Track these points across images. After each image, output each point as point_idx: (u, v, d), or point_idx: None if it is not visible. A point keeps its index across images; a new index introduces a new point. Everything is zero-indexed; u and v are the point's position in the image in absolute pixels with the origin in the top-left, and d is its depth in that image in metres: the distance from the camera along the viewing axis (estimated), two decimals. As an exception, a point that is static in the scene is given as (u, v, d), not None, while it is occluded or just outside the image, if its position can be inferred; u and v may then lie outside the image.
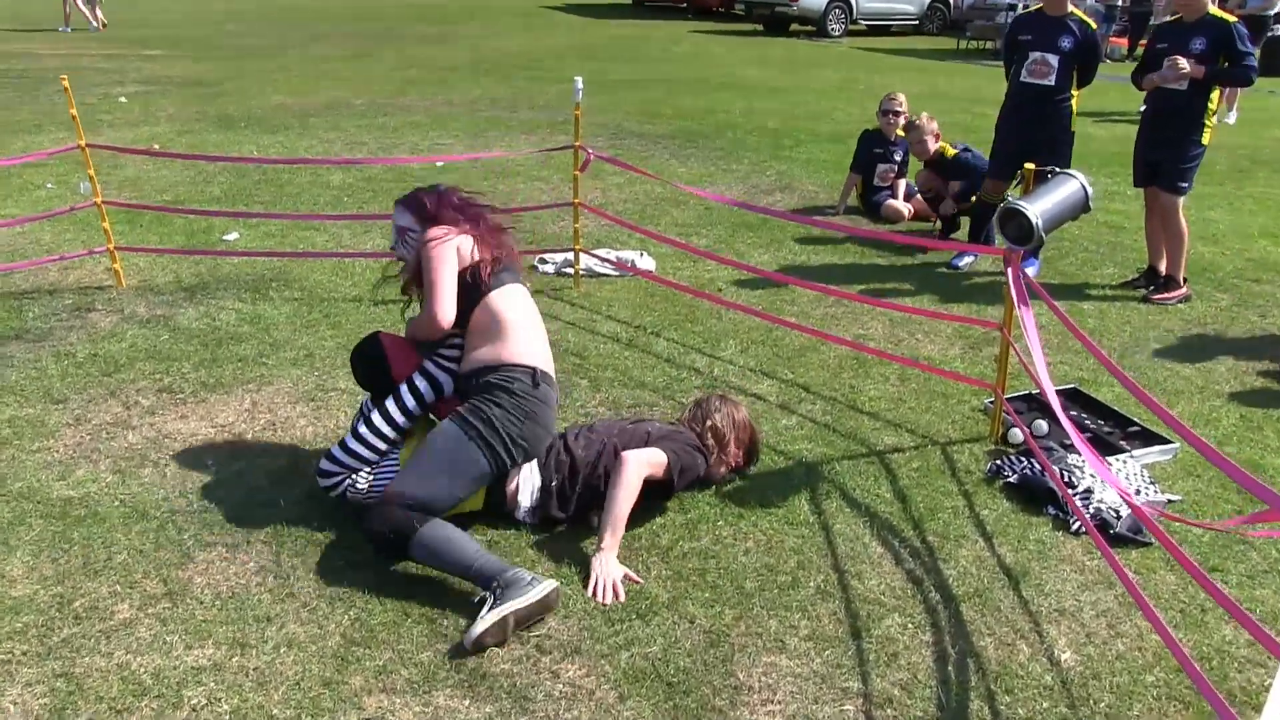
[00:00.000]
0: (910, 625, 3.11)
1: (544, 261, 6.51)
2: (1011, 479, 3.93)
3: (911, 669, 2.91)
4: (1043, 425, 4.23)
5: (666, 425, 3.86)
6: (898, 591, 3.27)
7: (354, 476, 3.59)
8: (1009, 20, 6.84)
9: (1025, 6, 6.01)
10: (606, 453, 3.63)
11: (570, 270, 6.18)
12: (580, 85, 5.65)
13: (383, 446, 3.59)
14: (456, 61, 17.35)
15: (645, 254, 6.58)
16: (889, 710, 2.74)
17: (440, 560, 3.26)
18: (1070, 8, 6.14)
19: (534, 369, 3.58)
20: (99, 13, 22.56)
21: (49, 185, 8.21)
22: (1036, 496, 3.81)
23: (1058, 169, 4.23)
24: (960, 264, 6.75)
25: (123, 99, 12.79)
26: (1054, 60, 6.09)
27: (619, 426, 3.80)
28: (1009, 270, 3.93)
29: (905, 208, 7.85)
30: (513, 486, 3.60)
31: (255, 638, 3.00)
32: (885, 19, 25.88)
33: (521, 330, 3.62)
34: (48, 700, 2.73)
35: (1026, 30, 6.27)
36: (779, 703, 2.77)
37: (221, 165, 8.83)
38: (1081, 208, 4.04)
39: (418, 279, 3.69)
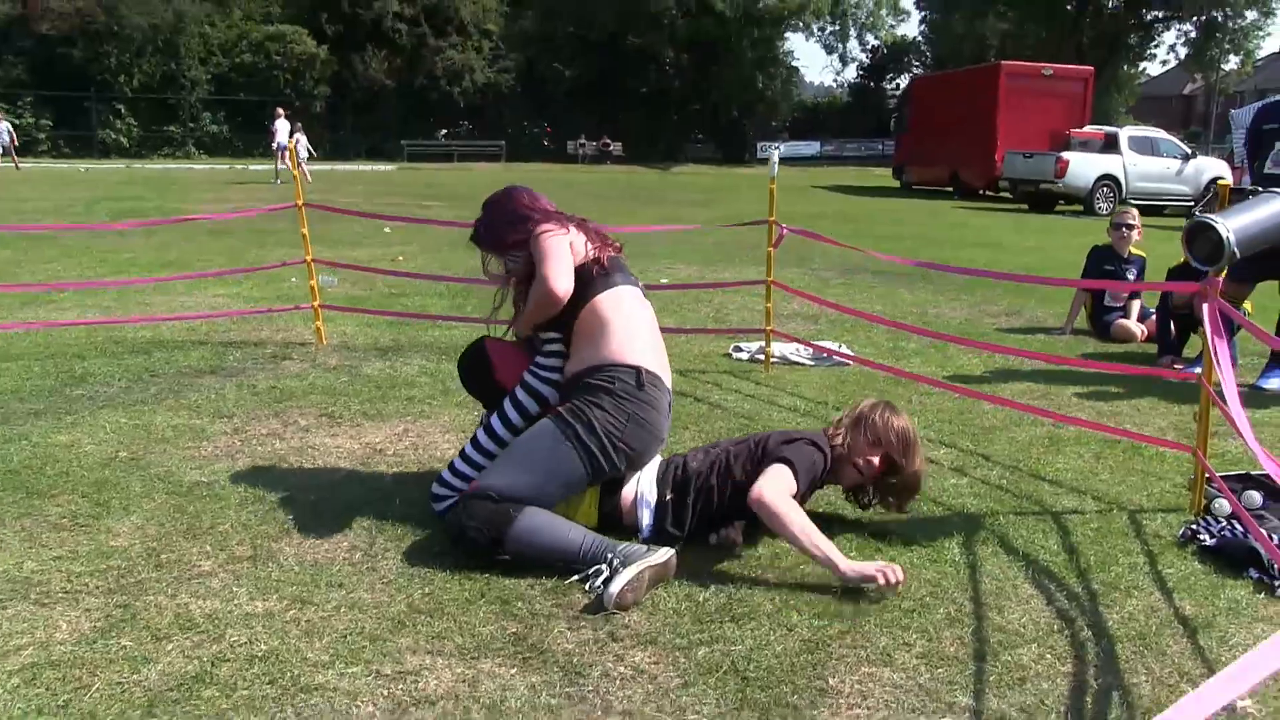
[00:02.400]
0: (1049, 655, 2.59)
1: (739, 349, 6.28)
2: (1209, 542, 3.32)
3: (1040, 695, 2.39)
4: (1255, 497, 3.57)
5: (783, 431, 3.48)
6: (1042, 626, 2.76)
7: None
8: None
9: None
10: (720, 463, 3.30)
11: (763, 357, 5.91)
12: (776, 159, 5.50)
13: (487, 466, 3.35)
14: (714, 215, 17.66)
15: (845, 346, 6.23)
16: (1004, 731, 2.24)
17: (543, 546, 3.01)
18: None
19: (638, 368, 3.28)
20: None
21: (294, 279, 8.69)
22: (1236, 560, 3.18)
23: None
24: (1266, 385, 5.85)
25: (387, 229, 13.62)
26: (1306, 149, 5.48)
27: (734, 440, 3.47)
28: (1203, 305, 3.41)
29: (1138, 329, 7.15)
30: (629, 502, 3.31)
31: (320, 598, 2.82)
32: (1157, 199, 24.71)
33: (627, 329, 3.33)
34: (100, 624, 2.63)
35: (1273, 119, 5.69)
36: (867, 708, 2.32)
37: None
38: None
39: (530, 283, 3.40)
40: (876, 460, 3.35)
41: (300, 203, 6.18)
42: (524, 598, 2.84)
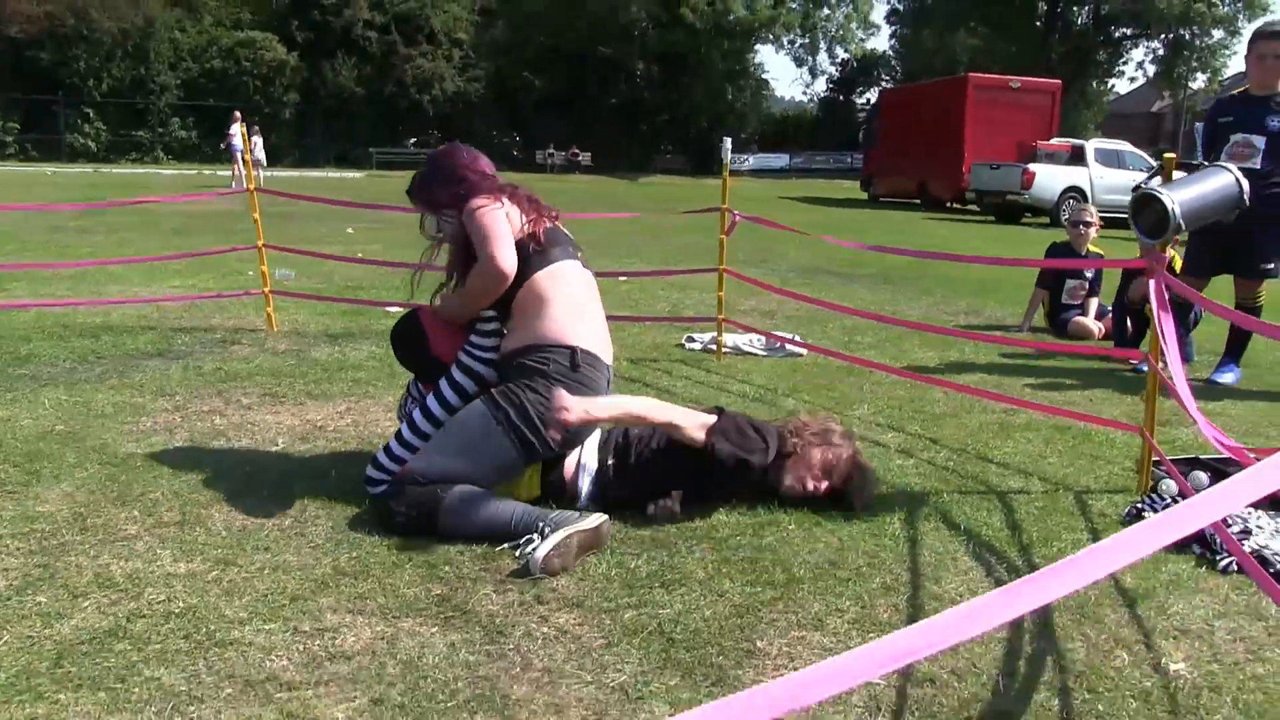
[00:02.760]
0: (983, 619, 2.56)
1: (691, 340, 6.26)
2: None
3: (972, 659, 2.38)
4: (1202, 478, 3.57)
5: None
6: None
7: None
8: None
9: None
10: (661, 431, 3.28)
11: (715, 346, 5.89)
12: (729, 145, 5.50)
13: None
14: (679, 222, 17.62)
15: (799, 337, 6.23)
16: (929, 689, 2.23)
17: (475, 522, 2.98)
18: None
19: (573, 349, 3.22)
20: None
21: (250, 273, 8.61)
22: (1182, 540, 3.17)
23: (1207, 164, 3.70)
24: (1221, 379, 5.90)
25: (350, 229, 13.54)
26: (1259, 142, 5.51)
27: None
28: (1150, 282, 3.43)
29: (1095, 326, 7.18)
30: (570, 472, 3.29)
31: (244, 560, 2.78)
32: (1123, 211, 24.82)
33: (563, 309, 3.26)
34: (16, 582, 2.58)
35: (1227, 113, 5.73)
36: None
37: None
38: (1234, 203, 3.46)
39: (464, 256, 3.33)
40: (823, 487, 3.34)
41: (251, 187, 6.12)
42: (452, 562, 2.80)
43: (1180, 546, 3.10)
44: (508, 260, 3.19)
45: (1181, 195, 3.28)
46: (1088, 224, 7.37)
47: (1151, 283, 3.44)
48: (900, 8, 60.59)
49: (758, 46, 56.72)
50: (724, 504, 3.30)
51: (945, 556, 3.00)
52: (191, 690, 2.11)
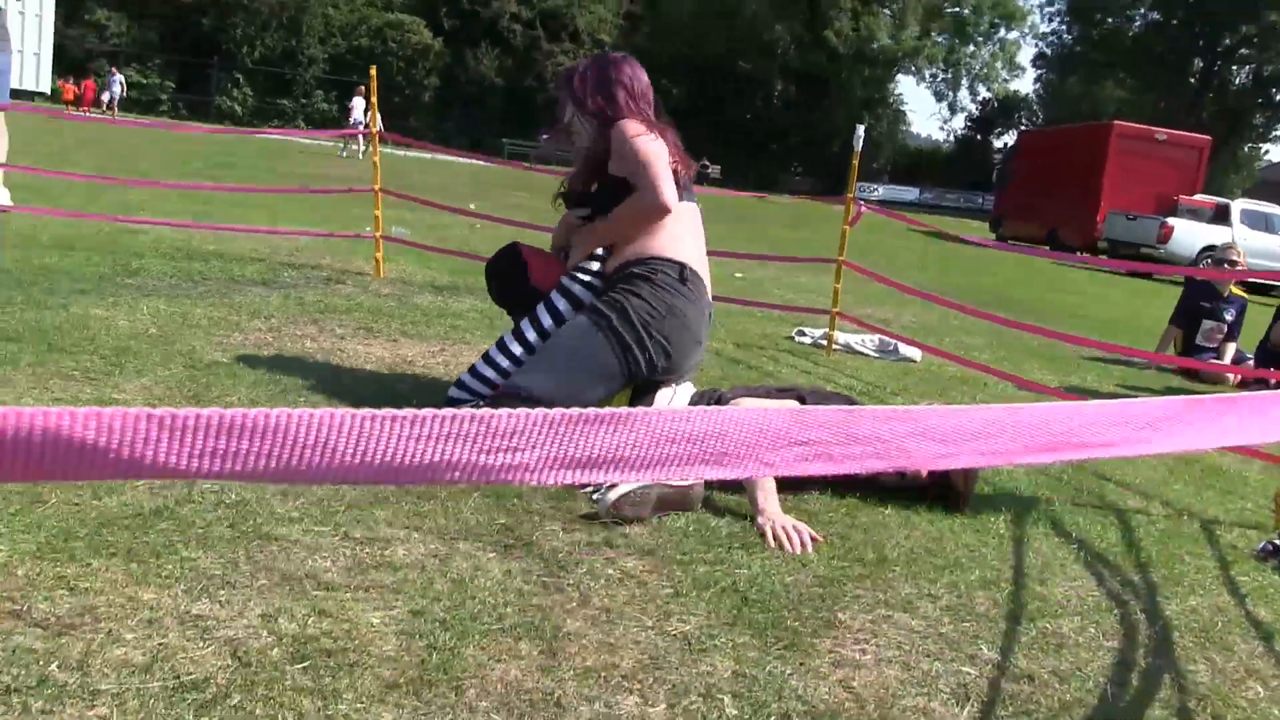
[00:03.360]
0: (1092, 630, 2.31)
1: (802, 334, 6.03)
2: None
3: (1077, 663, 2.12)
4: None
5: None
6: (1088, 603, 2.47)
7: (481, 404, 3.18)
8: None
9: None
10: (758, 396, 3.08)
11: (825, 342, 5.66)
12: (862, 131, 5.27)
13: (512, 370, 3.14)
14: (801, 236, 17.38)
15: (912, 348, 5.94)
16: (1026, 686, 1.98)
17: None
18: None
19: (682, 264, 3.08)
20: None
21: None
22: (1321, 575, 2.86)
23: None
24: None
25: (472, 205, 13.57)
26: None
27: (779, 385, 3.24)
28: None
29: (1231, 377, 6.71)
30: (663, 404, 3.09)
31: (308, 466, 2.63)
32: (1269, 277, 23.76)
33: (675, 231, 3.12)
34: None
35: None
36: (876, 645, 2.07)
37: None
38: None
39: (592, 169, 3.25)
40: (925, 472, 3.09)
41: (377, 187, 6.10)
42: (522, 496, 2.64)
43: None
44: (671, 195, 3.07)
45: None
46: (1233, 263, 6.94)
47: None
48: (1047, 52, 59.35)
49: (899, 76, 56.14)
50: (817, 485, 3.08)
51: (1053, 561, 2.74)
52: (225, 575, 1.98)
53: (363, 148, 27.05)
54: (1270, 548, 3.07)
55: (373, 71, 6.26)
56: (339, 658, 1.74)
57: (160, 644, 1.71)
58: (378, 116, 6.26)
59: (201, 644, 1.73)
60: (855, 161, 5.32)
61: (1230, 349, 6.89)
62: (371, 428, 0.70)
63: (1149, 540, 3.04)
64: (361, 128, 27.51)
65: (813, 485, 3.02)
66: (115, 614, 1.78)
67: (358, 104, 27.55)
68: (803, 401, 3.01)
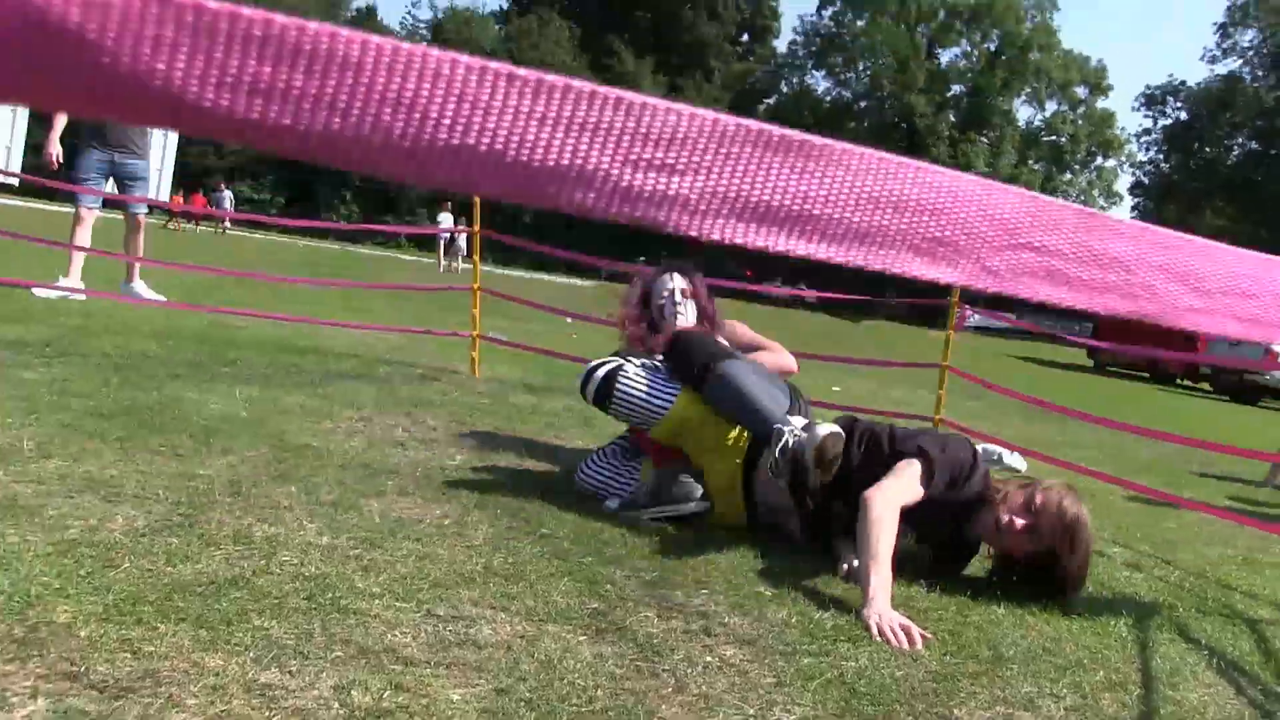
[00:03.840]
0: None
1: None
2: None
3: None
4: None
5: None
6: (1228, 710, 2.22)
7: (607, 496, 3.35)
8: None
9: None
10: (870, 434, 3.02)
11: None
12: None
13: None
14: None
15: (1016, 454, 5.67)
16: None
17: (741, 388, 3.10)
18: None
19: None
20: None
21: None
22: None
23: None
24: None
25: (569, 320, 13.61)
26: None
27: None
28: None
29: (1367, 496, 6.32)
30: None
31: (391, 545, 2.54)
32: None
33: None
34: (155, 524, 2.40)
35: None
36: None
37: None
38: None
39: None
40: (1020, 525, 2.86)
41: (476, 285, 6.13)
42: (615, 582, 2.48)
43: None
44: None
45: None
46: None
47: None
48: (1145, 181, 58.79)
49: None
50: (925, 579, 2.87)
51: (1182, 667, 2.48)
52: (299, 645, 1.84)
53: (460, 263, 27.78)
54: None
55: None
56: (414, 734, 1.59)
57: (223, 710, 1.58)
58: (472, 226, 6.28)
59: (267, 712, 1.59)
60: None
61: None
62: (477, 89, 0.50)
63: (1291, 652, 2.77)
64: (447, 239, 28.41)
65: (918, 582, 2.82)
66: (178, 679, 1.66)
67: (445, 218, 28.37)
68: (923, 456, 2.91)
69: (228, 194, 37.10)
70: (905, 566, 2.86)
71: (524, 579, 2.40)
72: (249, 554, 2.29)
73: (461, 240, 28.89)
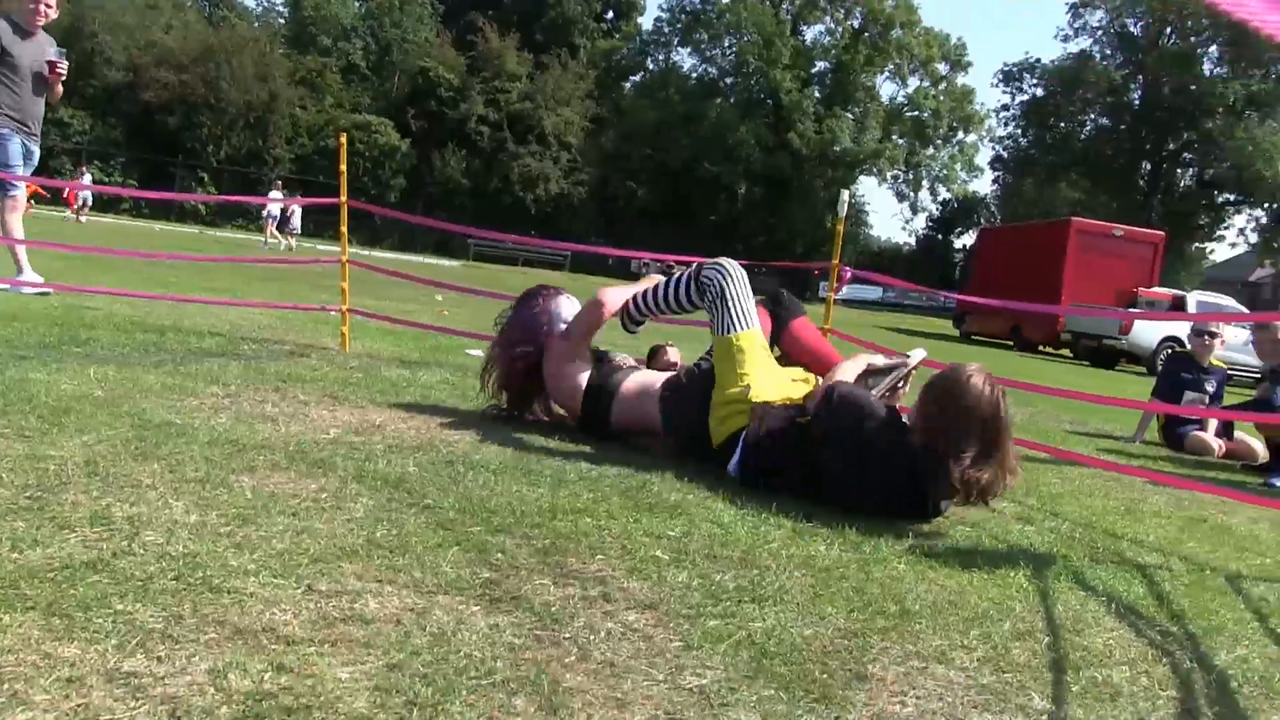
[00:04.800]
0: (1145, 679, 2.07)
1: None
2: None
3: (1138, 713, 1.88)
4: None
5: None
6: (1133, 653, 2.24)
7: None
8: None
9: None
10: None
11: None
12: (846, 198, 5.13)
13: None
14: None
15: (918, 350, 5.66)
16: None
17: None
18: None
19: None
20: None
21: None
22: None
23: None
24: (1279, 483, 5.48)
25: (439, 297, 13.40)
26: None
27: None
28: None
29: (1215, 443, 6.54)
30: None
31: (266, 521, 2.38)
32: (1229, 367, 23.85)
33: None
34: (-3, 510, 2.18)
35: None
36: (915, 698, 1.82)
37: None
38: None
39: None
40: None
41: (344, 259, 5.89)
42: (504, 550, 2.37)
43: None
44: None
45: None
46: (1212, 334, 6.86)
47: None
48: (1005, 155, 60.59)
49: (861, 178, 56.86)
50: (826, 536, 2.83)
51: (1084, 613, 2.50)
52: (167, 629, 1.69)
53: (281, 241, 27.17)
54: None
55: (342, 164, 5.98)
56: (301, 715, 1.46)
57: (79, 704, 1.43)
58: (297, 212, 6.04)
59: (132, 702, 1.45)
60: (840, 227, 5.16)
61: (1214, 421, 6.73)
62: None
63: (1176, 593, 2.83)
64: (272, 219, 27.80)
65: (818, 541, 2.78)
66: (25, 673, 1.49)
67: (276, 194, 27.75)
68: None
69: (87, 177, 35.24)
70: (815, 527, 2.83)
71: (410, 551, 2.27)
72: (108, 535, 2.11)
73: (296, 217, 28.42)
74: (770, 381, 3.60)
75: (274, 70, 48.75)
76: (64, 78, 7.12)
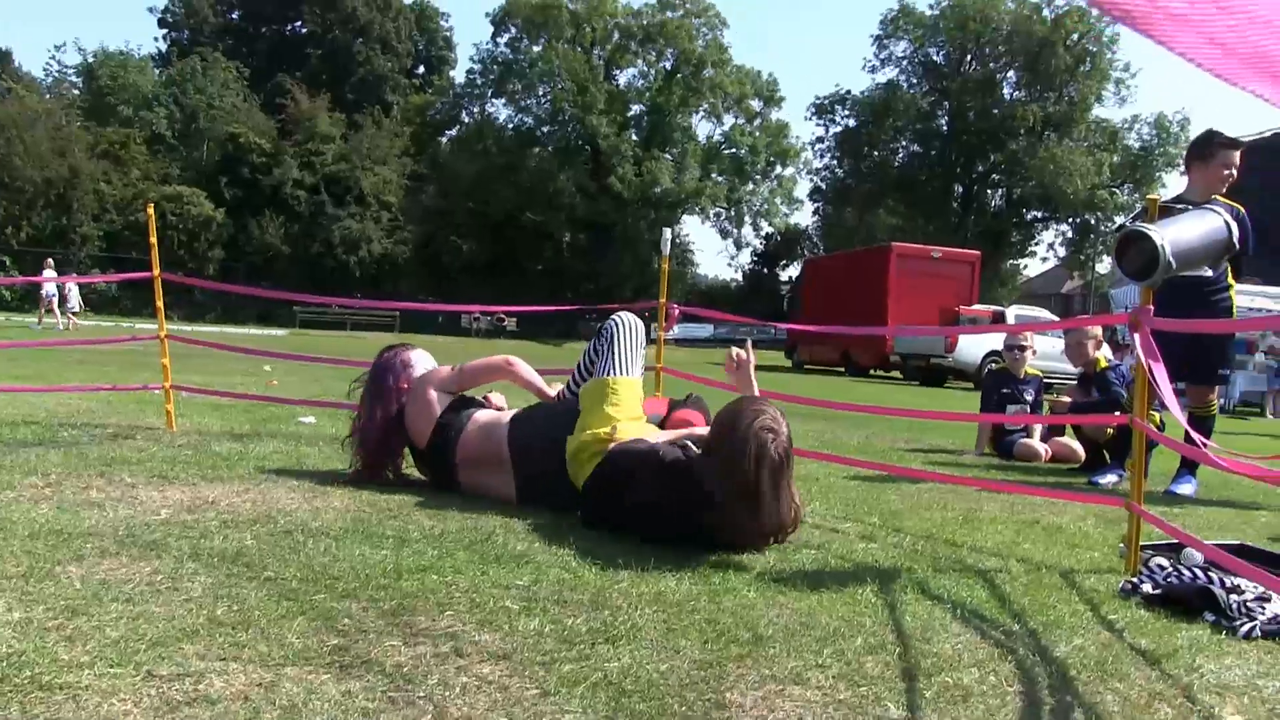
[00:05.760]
0: (993, 678, 2.17)
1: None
2: (1153, 591, 2.95)
3: (989, 710, 1.97)
4: (1196, 555, 3.23)
5: None
6: (980, 655, 2.34)
7: None
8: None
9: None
10: None
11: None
12: (668, 236, 5.24)
13: None
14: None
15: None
16: (942, 742, 1.80)
17: None
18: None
19: None
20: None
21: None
22: (1187, 605, 2.82)
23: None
24: (1101, 480, 5.82)
25: (267, 367, 13.06)
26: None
27: None
28: (1134, 335, 3.16)
29: (1041, 448, 6.94)
30: None
31: (98, 610, 2.28)
32: (1044, 376, 25.11)
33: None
34: None
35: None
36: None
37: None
38: (1223, 246, 3.20)
39: None
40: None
41: (163, 334, 5.72)
42: (351, 615, 2.33)
43: (1191, 615, 2.75)
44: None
45: (1171, 234, 3.01)
46: (1023, 347, 7.27)
47: (1137, 336, 3.16)
48: (823, 186, 62.71)
49: (684, 218, 57.95)
50: (674, 571, 2.89)
51: (932, 621, 2.60)
52: (-5, 733, 1.61)
53: (60, 320, 26.17)
54: (1129, 586, 3.05)
55: (152, 239, 5.79)
56: (147, 805, 1.41)
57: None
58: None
59: (-35, 811, 1.37)
60: (665, 266, 5.27)
61: (1038, 427, 7.10)
62: None
63: (1016, 594, 2.97)
64: (52, 299, 26.70)
65: (666, 574, 2.82)
66: None
67: (49, 272, 26.71)
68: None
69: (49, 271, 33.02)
70: (663, 563, 2.88)
71: (253, 624, 2.21)
72: (-77, 640, 2.00)
73: (73, 296, 27.40)
74: (639, 428, 3.66)
75: (72, 144, 46.82)
76: None
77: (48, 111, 48.57)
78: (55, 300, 27.25)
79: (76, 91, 57.74)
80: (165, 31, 67.13)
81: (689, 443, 3.44)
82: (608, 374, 3.79)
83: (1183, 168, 5.78)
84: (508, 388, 4.46)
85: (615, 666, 2.08)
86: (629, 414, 3.69)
